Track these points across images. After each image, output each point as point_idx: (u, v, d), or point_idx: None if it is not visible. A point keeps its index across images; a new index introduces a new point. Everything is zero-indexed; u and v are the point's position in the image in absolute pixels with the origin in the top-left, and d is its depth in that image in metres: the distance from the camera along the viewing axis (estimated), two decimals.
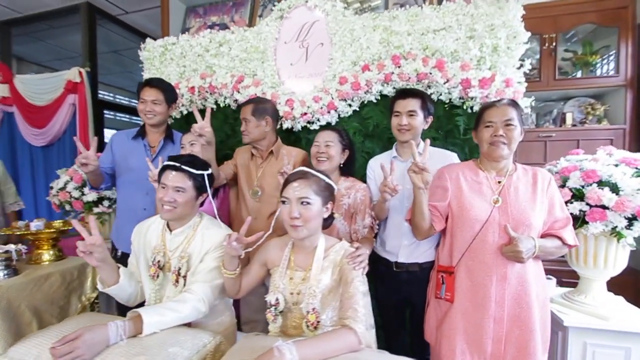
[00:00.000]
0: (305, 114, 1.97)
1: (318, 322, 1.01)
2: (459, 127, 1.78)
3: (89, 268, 1.87)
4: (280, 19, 2.10)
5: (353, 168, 1.59)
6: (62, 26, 3.90)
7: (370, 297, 1.08)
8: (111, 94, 5.69)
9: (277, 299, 1.05)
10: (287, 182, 1.06)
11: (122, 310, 1.50)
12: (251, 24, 2.72)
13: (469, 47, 1.73)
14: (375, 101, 1.91)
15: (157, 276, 1.29)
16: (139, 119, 1.85)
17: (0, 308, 1.42)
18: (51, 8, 3.56)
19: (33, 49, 4.48)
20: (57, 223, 1.87)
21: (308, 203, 1.02)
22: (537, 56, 2.35)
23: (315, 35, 2.04)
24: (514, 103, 1.22)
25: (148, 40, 2.33)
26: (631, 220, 1.26)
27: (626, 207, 1.25)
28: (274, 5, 2.11)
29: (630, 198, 1.25)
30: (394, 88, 1.84)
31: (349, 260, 1.05)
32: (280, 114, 2.00)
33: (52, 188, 2.13)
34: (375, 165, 1.53)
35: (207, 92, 2.16)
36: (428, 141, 1.22)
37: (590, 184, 1.36)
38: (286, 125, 2.01)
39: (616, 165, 1.37)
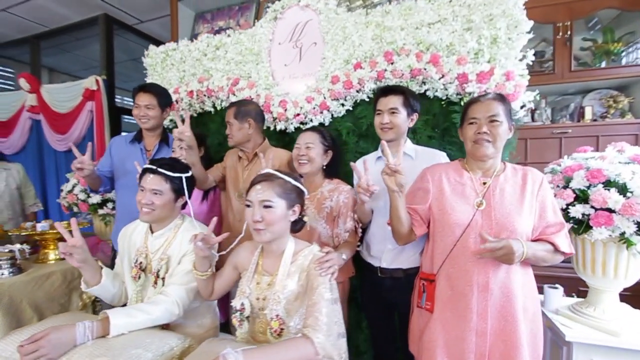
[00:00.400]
0: (298, 114, 1.94)
1: (282, 329, 0.98)
2: (456, 125, 1.67)
3: None
4: (274, 20, 2.09)
5: (338, 169, 1.54)
6: (85, 37, 4.14)
7: (339, 305, 1.03)
8: (132, 100, 5.96)
9: (242, 304, 1.03)
10: (251, 185, 1.04)
11: None
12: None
13: (466, 39, 1.63)
14: (368, 100, 1.84)
15: (139, 277, 1.31)
16: None
17: (3, 304, 1.51)
18: (73, 21, 3.78)
19: (62, 59, 4.79)
20: (62, 224, 1.96)
21: (270, 206, 0.99)
22: (551, 47, 2.18)
23: (308, 35, 2.01)
24: (500, 97, 1.12)
25: (151, 47, 2.40)
26: None
27: (635, 211, 1.11)
28: (268, 7, 2.11)
29: None
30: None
31: (316, 265, 1.01)
32: (274, 115, 1.99)
33: (62, 191, 2.24)
34: (360, 166, 1.48)
35: (204, 95, 2.19)
36: (404, 141, 1.15)
37: (596, 185, 1.23)
38: (279, 126, 1.99)
39: (627, 164, 1.23)
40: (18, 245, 1.68)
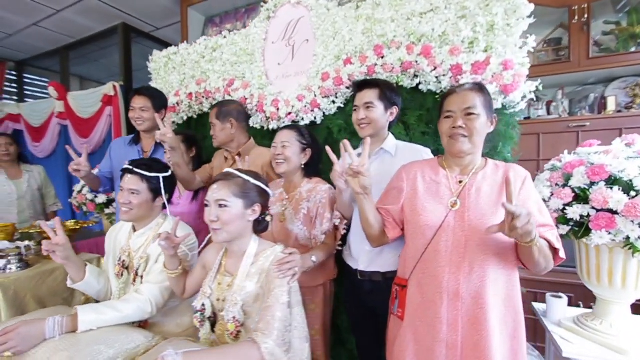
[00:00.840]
0: (290, 113, 1.92)
1: (239, 332, 0.95)
2: None
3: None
4: (267, 20, 2.08)
5: (318, 168, 1.49)
6: (108, 46, 4.38)
7: (301, 308, 0.98)
8: None
9: (203, 305, 1.02)
10: (211, 184, 1.03)
11: None
12: None
13: (460, 28, 1.52)
14: None
15: (122, 275, 1.35)
16: None
17: (8, 297, 1.61)
18: (96, 31, 4.01)
19: (90, 68, 5.11)
20: (70, 222, 2.07)
21: (225, 205, 0.97)
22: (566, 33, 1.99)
23: (300, 33, 1.98)
24: (478, 87, 1.02)
25: (155, 52, 2.48)
26: None
27: None
28: (261, 7, 2.10)
29: None
30: None
31: (275, 267, 0.97)
32: (267, 114, 1.98)
33: (73, 191, 2.38)
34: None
35: (202, 97, 2.23)
36: (368, 140, 1.09)
37: (597, 183, 1.09)
38: (272, 125, 1.98)
39: (634, 159, 1.09)
40: (26, 242, 1.78)
